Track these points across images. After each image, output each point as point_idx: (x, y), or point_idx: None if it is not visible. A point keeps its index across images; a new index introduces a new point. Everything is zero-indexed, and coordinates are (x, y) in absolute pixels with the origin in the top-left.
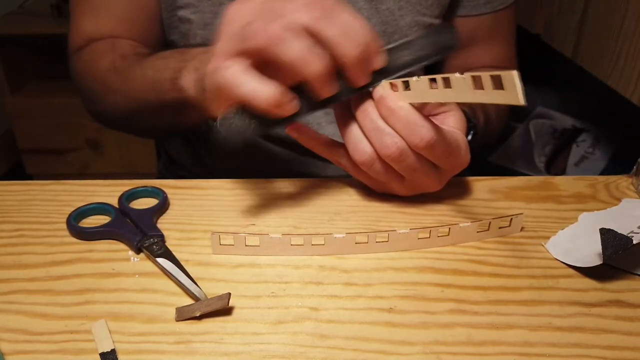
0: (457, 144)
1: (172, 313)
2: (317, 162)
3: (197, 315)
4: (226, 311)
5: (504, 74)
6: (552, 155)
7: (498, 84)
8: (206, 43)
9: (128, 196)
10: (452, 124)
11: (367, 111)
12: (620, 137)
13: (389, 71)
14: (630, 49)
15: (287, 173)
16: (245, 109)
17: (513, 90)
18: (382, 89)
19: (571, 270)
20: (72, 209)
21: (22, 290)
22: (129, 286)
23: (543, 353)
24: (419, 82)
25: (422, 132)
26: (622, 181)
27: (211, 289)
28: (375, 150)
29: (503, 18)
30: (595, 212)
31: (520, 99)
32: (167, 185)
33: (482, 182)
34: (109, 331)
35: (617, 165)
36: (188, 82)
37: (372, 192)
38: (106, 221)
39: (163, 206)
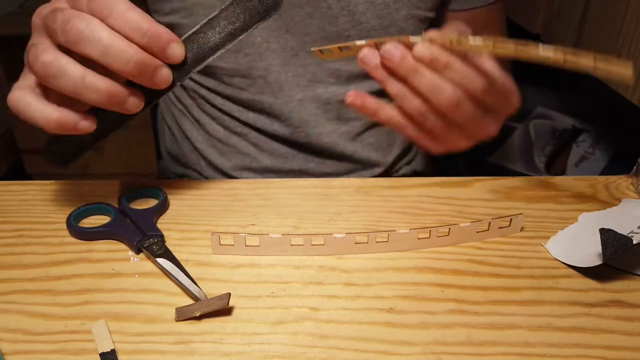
0: (510, 85)
1: (172, 313)
2: (315, 159)
3: (197, 315)
4: (226, 311)
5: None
6: (552, 155)
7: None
8: None
9: (128, 196)
10: (491, 65)
11: (418, 70)
12: (620, 137)
13: (199, 59)
14: (630, 49)
15: (286, 168)
16: (58, 136)
17: (624, 65)
18: (426, 49)
19: (571, 270)
20: (72, 209)
21: (22, 290)
22: (129, 286)
23: (543, 353)
24: (481, 44)
25: (477, 80)
26: (622, 181)
27: (211, 289)
28: (433, 104)
29: (495, 10)
30: (595, 212)
31: (630, 74)
32: (167, 185)
33: (482, 182)
34: (109, 331)
35: (617, 165)
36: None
37: (372, 192)
38: (106, 221)
39: (163, 206)
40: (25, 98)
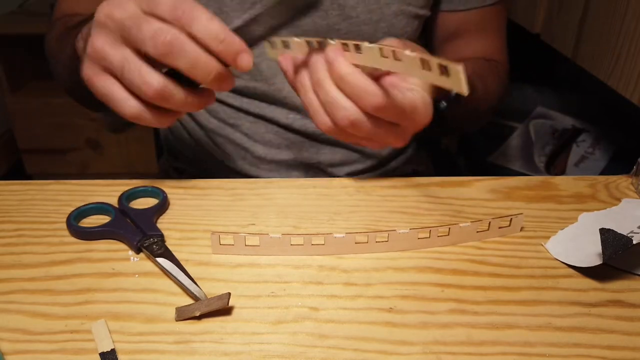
0: (412, 104)
1: (172, 313)
2: (309, 148)
3: (197, 315)
4: (226, 311)
5: (451, 65)
6: (552, 155)
7: (444, 70)
8: None
9: (128, 196)
10: (414, 81)
11: (320, 81)
12: (620, 137)
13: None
14: (630, 49)
15: (279, 159)
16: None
17: (457, 80)
18: (333, 51)
19: (571, 270)
20: (72, 209)
21: (22, 290)
22: (129, 286)
23: (543, 353)
24: (370, 49)
25: (369, 98)
26: (622, 181)
27: (211, 289)
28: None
29: (492, 14)
30: (595, 212)
31: (464, 89)
32: (167, 185)
33: (482, 182)
34: (109, 331)
35: (617, 165)
36: (80, 41)
37: (372, 192)
38: (106, 221)
39: (163, 206)
40: (113, 86)
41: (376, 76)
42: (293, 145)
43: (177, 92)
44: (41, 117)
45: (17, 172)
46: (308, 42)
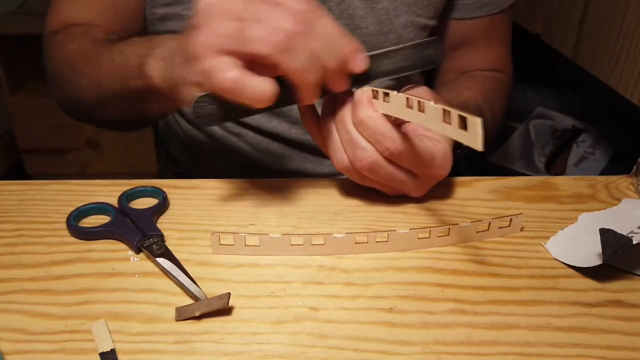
0: (430, 154)
1: (172, 313)
2: (313, 159)
3: (197, 315)
4: (226, 311)
5: (470, 118)
6: (552, 155)
7: (463, 123)
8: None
9: (128, 196)
10: (435, 134)
11: (344, 120)
12: (620, 137)
13: (369, 77)
14: (630, 49)
15: (283, 169)
16: (220, 97)
17: (474, 135)
18: (361, 93)
19: (571, 270)
20: (72, 209)
21: (22, 290)
22: (129, 286)
23: (543, 353)
24: (398, 98)
25: (387, 143)
26: (622, 181)
27: (211, 289)
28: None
29: (498, 22)
30: (595, 212)
31: (479, 146)
32: (167, 185)
33: (482, 182)
34: (109, 331)
35: (617, 165)
36: (154, 70)
37: (372, 192)
38: (106, 221)
39: (163, 206)
40: (244, 80)
41: (399, 123)
42: (296, 156)
43: (302, 45)
44: (41, 117)
45: (17, 172)
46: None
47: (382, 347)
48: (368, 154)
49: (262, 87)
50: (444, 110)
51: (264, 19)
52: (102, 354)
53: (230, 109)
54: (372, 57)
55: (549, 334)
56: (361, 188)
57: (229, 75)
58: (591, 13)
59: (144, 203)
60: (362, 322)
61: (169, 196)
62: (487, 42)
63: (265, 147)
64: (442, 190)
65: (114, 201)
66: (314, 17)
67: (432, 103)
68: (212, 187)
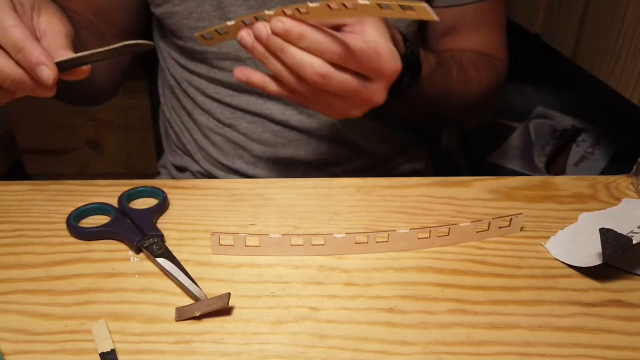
0: (375, 49)
1: (172, 313)
2: (307, 144)
3: (197, 315)
4: (226, 311)
5: (414, 3)
6: (552, 155)
7: (408, 8)
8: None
9: (128, 196)
10: (371, 33)
11: (282, 48)
12: (620, 137)
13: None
14: (630, 49)
15: (277, 157)
16: None
17: (424, 11)
18: (279, 22)
19: (571, 270)
20: (72, 209)
21: (22, 290)
22: (129, 286)
23: (543, 353)
24: (318, 8)
25: (333, 48)
26: (622, 181)
27: (211, 289)
28: (303, 79)
29: (487, 9)
30: (595, 212)
31: (433, 16)
32: (167, 185)
33: (482, 182)
34: (109, 331)
35: (617, 165)
36: None
37: (372, 192)
38: (106, 221)
39: (163, 206)
40: None
41: (329, 27)
42: (290, 143)
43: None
44: (41, 117)
45: (17, 172)
46: (243, 21)
47: (382, 347)
48: (317, 67)
49: None
50: (379, 4)
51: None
52: (102, 354)
53: None
54: (63, 63)
55: (549, 334)
56: (361, 188)
57: None
58: (591, 13)
59: (144, 203)
60: (362, 322)
61: (169, 196)
62: (476, 29)
63: (259, 136)
64: (442, 190)
65: (114, 201)
66: None
67: (361, 0)
68: (212, 187)
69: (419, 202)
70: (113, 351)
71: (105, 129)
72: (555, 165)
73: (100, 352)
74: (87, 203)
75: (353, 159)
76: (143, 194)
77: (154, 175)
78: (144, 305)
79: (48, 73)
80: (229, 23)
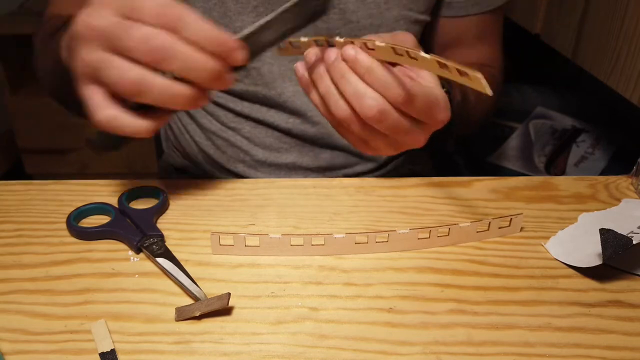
0: (435, 97)
1: (172, 313)
2: (310, 152)
3: (197, 315)
4: (226, 311)
5: (469, 71)
6: (552, 155)
7: (464, 74)
8: None
9: (128, 196)
10: (428, 79)
11: (345, 75)
12: (620, 137)
13: (251, 56)
14: (630, 49)
15: (280, 163)
16: (108, 134)
17: (478, 80)
18: (353, 50)
19: (571, 270)
20: (72, 209)
21: (22, 290)
22: (129, 286)
23: (543, 353)
24: (383, 49)
25: (397, 90)
26: (622, 181)
27: (211, 289)
28: (356, 112)
29: (490, 20)
30: (595, 212)
31: (488, 90)
32: (167, 185)
33: (482, 182)
34: (109, 331)
35: (617, 166)
36: (63, 50)
37: (372, 192)
38: (106, 221)
39: (163, 206)
40: (121, 119)
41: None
42: (293, 149)
43: (158, 82)
44: (41, 117)
45: (17, 172)
46: (316, 41)
47: (382, 347)
48: (377, 102)
49: (137, 125)
50: (439, 62)
51: (125, 45)
52: (102, 354)
53: (118, 139)
54: (249, 37)
55: (549, 334)
56: (361, 188)
57: (102, 114)
58: (591, 13)
59: (144, 203)
60: (362, 322)
61: (169, 196)
62: (479, 40)
63: (262, 140)
64: (442, 190)
65: (114, 201)
66: (180, 18)
67: (423, 53)
68: (212, 187)
69: (419, 202)
70: (113, 351)
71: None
72: (555, 165)
73: (100, 352)
74: (87, 203)
75: (354, 164)
76: (143, 194)
77: (154, 175)
78: (144, 305)
79: (244, 54)
80: (303, 39)
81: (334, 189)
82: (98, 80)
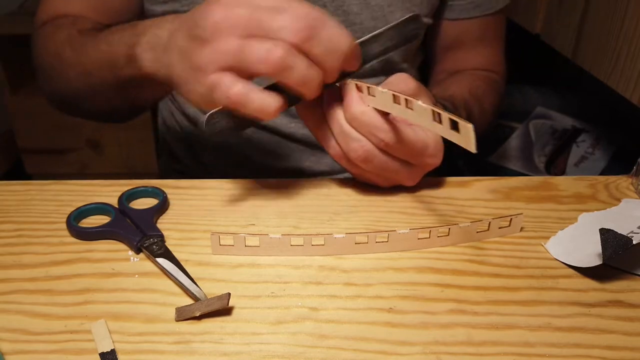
0: (423, 143)
1: (172, 313)
2: (311, 155)
3: (197, 315)
4: (226, 311)
5: (461, 122)
6: (552, 155)
7: (454, 125)
8: None
9: (128, 196)
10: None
11: (335, 115)
12: (620, 137)
13: (361, 63)
14: (630, 49)
15: (281, 167)
16: (230, 111)
17: (467, 137)
18: (348, 92)
19: (571, 270)
20: (72, 209)
21: (22, 290)
22: (129, 286)
23: (543, 353)
24: (384, 95)
25: (381, 135)
26: (622, 181)
27: (211, 289)
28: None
29: (492, 23)
30: (595, 212)
31: (473, 148)
32: (167, 185)
33: (482, 182)
34: (109, 331)
35: (617, 166)
36: (145, 60)
37: (372, 192)
38: (106, 221)
39: (163, 206)
40: (249, 94)
41: (387, 112)
42: (294, 154)
43: (300, 59)
44: (41, 117)
45: (17, 172)
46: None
47: (382, 347)
48: (362, 144)
49: (266, 102)
50: (433, 111)
51: (266, 30)
52: (102, 354)
53: (241, 120)
54: (362, 44)
55: (549, 334)
56: (361, 188)
57: (233, 91)
58: (591, 13)
59: (144, 203)
60: (362, 322)
61: (169, 196)
62: (481, 42)
63: (263, 146)
64: (442, 190)
65: (114, 201)
66: (318, 20)
67: (420, 102)
68: (212, 187)
69: (419, 202)
70: (113, 351)
71: (106, 129)
72: (555, 165)
73: (100, 352)
74: (87, 203)
75: None
76: (143, 194)
77: (154, 175)
78: (143, 305)
79: (359, 56)
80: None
81: (334, 189)
82: (234, 67)
